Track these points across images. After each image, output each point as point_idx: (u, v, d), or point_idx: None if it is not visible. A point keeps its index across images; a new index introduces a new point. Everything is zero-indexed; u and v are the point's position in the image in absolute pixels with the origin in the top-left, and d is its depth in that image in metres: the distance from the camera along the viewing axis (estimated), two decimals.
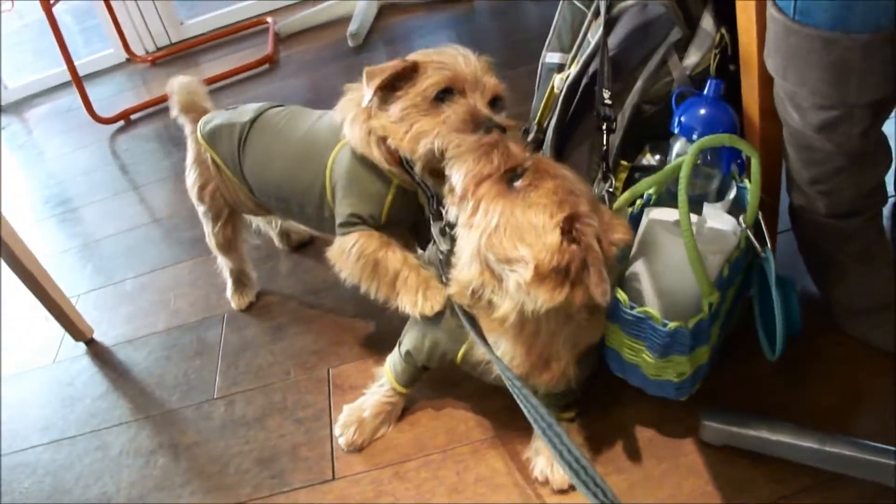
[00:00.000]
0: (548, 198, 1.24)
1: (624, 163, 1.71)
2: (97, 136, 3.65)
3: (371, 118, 1.54)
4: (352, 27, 3.68)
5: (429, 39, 3.60)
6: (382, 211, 1.59)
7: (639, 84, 1.66)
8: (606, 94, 1.53)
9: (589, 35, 1.80)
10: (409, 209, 1.62)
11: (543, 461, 1.50)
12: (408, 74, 1.50)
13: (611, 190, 1.51)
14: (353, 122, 1.58)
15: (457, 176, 1.32)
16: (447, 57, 1.51)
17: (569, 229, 1.22)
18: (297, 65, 3.70)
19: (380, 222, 1.59)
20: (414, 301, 1.53)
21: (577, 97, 1.78)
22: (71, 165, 3.52)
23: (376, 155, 1.54)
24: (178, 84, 2.01)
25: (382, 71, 1.49)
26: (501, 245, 1.24)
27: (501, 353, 1.37)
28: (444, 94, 1.46)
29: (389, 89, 1.51)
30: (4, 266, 2.12)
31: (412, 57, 1.53)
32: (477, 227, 1.27)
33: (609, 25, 1.71)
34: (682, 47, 1.63)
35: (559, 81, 1.83)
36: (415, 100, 1.48)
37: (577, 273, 1.21)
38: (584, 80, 1.77)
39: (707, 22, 1.62)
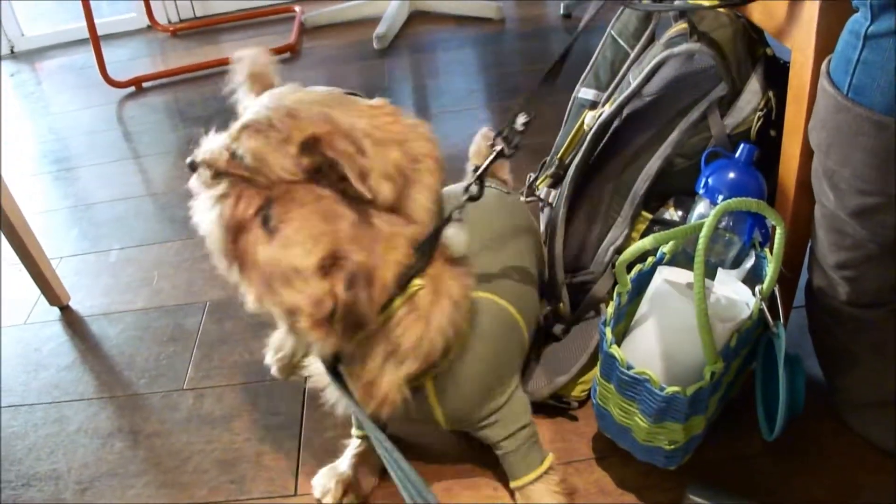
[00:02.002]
0: (301, 233, 1.14)
1: (645, 213, 1.67)
2: (106, 98, 3.60)
3: None
4: (379, 29, 3.64)
5: (453, 54, 3.56)
6: None
7: (674, 135, 1.61)
8: (522, 119, 1.46)
9: (630, 76, 1.75)
10: None
11: None
12: None
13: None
14: None
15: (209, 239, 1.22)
16: None
17: (329, 267, 1.14)
18: (319, 58, 3.66)
19: None
20: None
21: (606, 138, 1.73)
22: (75, 123, 3.47)
23: None
24: (249, 54, 2.00)
25: None
26: (274, 301, 1.16)
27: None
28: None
29: None
30: None
31: None
32: (248, 291, 1.19)
33: (652, 71, 1.66)
34: (725, 104, 1.58)
35: (590, 118, 1.78)
36: None
37: (343, 314, 1.16)
38: (616, 123, 1.72)
39: (755, 83, 1.57)
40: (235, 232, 1.17)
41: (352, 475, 1.54)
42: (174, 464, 1.67)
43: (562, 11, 3.64)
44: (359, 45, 3.68)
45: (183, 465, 1.66)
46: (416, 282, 1.21)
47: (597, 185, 1.72)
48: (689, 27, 1.61)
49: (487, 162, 1.36)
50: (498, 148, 1.39)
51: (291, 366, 1.76)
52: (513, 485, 1.44)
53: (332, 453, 1.60)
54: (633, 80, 1.69)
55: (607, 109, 1.72)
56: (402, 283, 1.19)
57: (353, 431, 1.57)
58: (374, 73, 3.40)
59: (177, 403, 1.82)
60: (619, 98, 1.70)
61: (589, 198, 1.73)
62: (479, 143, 1.86)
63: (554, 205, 1.80)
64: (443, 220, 1.26)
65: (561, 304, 1.71)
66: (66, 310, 2.22)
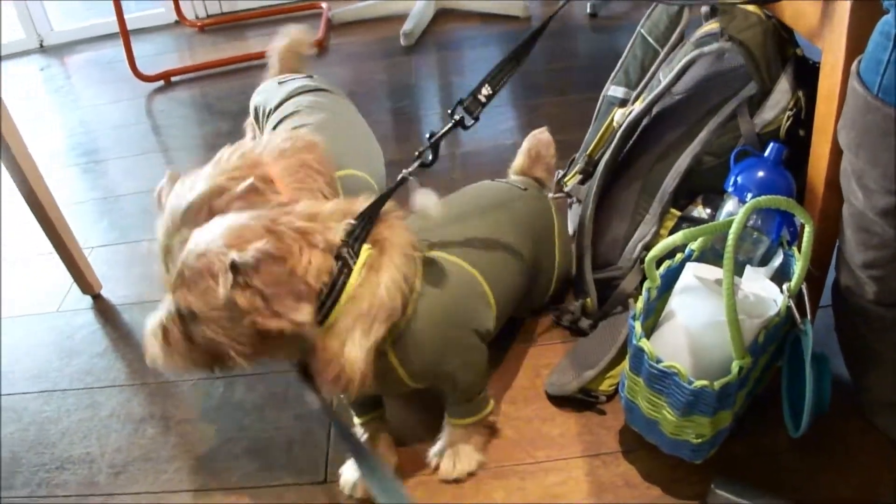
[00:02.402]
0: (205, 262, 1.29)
1: (674, 211, 1.69)
2: (135, 92, 3.62)
3: None
4: (406, 26, 3.66)
5: (479, 51, 3.58)
6: None
7: (704, 134, 1.63)
8: (486, 91, 1.48)
9: (660, 74, 1.77)
10: None
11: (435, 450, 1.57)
12: None
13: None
14: None
15: None
16: None
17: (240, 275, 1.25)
18: (345, 55, 3.68)
19: None
20: None
21: (636, 136, 1.75)
22: (104, 117, 3.50)
23: None
24: (296, 33, 2.07)
25: None
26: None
27: None
28: None
29: None
30: (21, 205, 2.10)
31: None
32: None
33: (682, 70, 1.68)
34: (755, 104, 1.60)
35: (620, 116, 1.80)
36: None
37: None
38: (645, 121, 1.74)
39: (784, 83, 1.58)
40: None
41: None
42: (206, 450, 1.70)
43: (588, 10, 3.65)
44: (385, 41, 3.70)
45: (215, 451, 1.69)
46: (365, 248, 1.32)
47: (626, 182, 1.74)
48: (720, 27, 1.63)
49: (444, 130, 1.42)
50: (457, 117, 1.42)
51: None
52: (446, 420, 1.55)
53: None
54: (664, 79, 1.71)
55: (637, 107, 1.74)
56: (348, 253, 1.30)
57: (355, 420, 1.61)
58: (401, 70, 3.42)
59: (208, 391, 1.84)
60: (649, 96, 1.72)
61: (618, 195, 1.75)
62: (531, 148, 1.88)
63: (583, 201, 1.82)
64: (382, 195, 1.38)
65: (588, 300, 1.73)
66: (97, 298, 2.24)
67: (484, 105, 1.43)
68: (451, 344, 1.45)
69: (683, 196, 1.69)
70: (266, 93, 1.99)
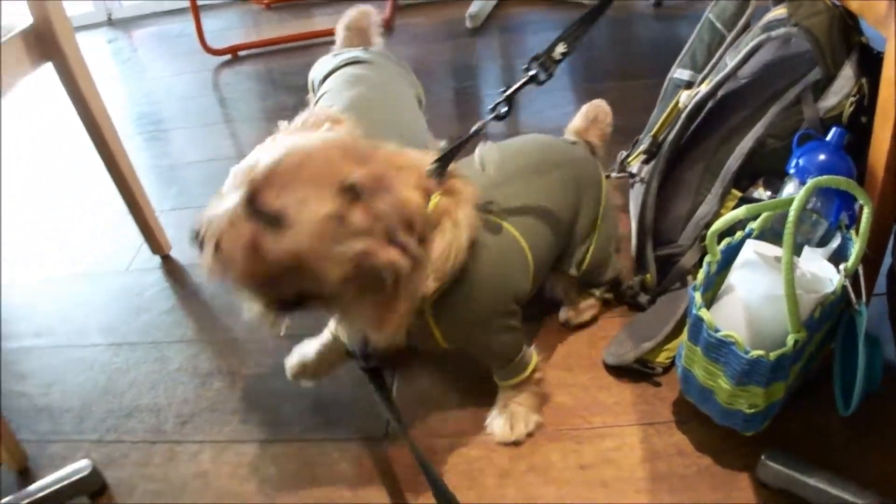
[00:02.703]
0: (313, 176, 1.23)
1: (735, 191, 1.72)
2: (201, 65, 3.69)
3: None
4: (472, 9, 3.68)
5: (543, 35, 3.58)
6: None
7: (768, 117, 1.66)
8: (561, 48, 1.49)
9: (727, 58, 1.80)
10: None
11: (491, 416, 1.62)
12: None
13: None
14: None
15: None
16: None
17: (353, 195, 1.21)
18: (411, 35, 3.71)
19: None
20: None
21: (701, 118, 1.78)
22: (170, 88, 3.58)
23: None
24: (359, 9, 2.10)
25: None
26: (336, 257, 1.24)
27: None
28: None
29: None
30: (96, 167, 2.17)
31: None
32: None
33: (749, 54, 1.71)
34: (819, 89, 1.62)
35: (685, 97, 1.83)
36: None
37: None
38: (711, 104, 1.77)
39: (848, 69, 1.61)
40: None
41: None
42: (271, 403, 1.75)
43: (653, 0, 3.66)
44: (451, 23, 3.72)
45: (279, 405, 1.75)
46: (435, 195, 1.33)
47: (689, 162, 1.78)
48: (788, 12, 1.66)
49: (519, 84, 1.43)
50: (532, 72, 1.45)
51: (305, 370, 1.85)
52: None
53: (423, 402, 1.70)
54: (730, 62, 1.74)
55: (703, 89, 1.77)
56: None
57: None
58: (465, 52, 3.45)
59: (274, 350, 1.89)
60: (716, 78, 1.75)
61: (681, 174, 1.79)
62: (589, 111, 1.91)
63: (646, 180, 1.85)
64: (460, 139, 1.39)
65: (648, 276, 1.77)
66: (166, 259, 2.31)
67: (558, 62, 1.45)
68: (490, 315, 1.48)
69: (745, 177, 1.72)
70: (320, 65, 2.03)
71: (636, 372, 1.67)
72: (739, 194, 1.72)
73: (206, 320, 2.05)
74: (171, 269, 2.27)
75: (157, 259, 2.31)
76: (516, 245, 1.51)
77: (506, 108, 1.43)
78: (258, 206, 1.21)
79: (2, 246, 2.52)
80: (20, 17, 1.84)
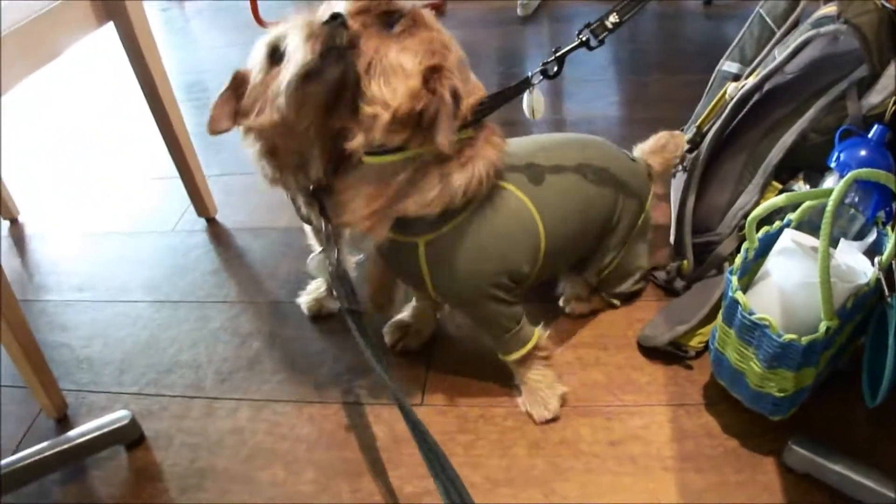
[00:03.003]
0: (420, 46, 1.35)
1: (775, 183, 1.74)
2: (253, 38, 3.67)
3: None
4: None
5: None
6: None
7: (812, 112, 1.69)
8: (613, 18, 1.53)
9: (776, 51, 1.82)
10: None
11: (521, 399, 1.64)
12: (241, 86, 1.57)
13: None
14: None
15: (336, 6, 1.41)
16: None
17: (430, 78, 1.33)
18: (462, 20, 3.72)
19: None
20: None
21: (746, 110, 1.81)
22: (221, 58, 3.63)
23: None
24: None
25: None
26: (368, 83, 1.33)
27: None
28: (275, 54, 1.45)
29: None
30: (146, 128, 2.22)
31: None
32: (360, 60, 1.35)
33: (797, 49, 1.73)
34: (864, 86, 1.65)
35: (732, 89, 1.85)
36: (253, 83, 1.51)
37: (428, 120, 1.33)
38: (757, 96, 1.79)
39: (893, 69, 1.63)
40: (360, 11, 1.37)
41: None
42: (309, 366, 1.79)
43: None
44: (502, 10, 3.73)
45: (318, 367, 1.79)
46: (470, 131, 1.41)
47: (732, 153, 1.81)
48: (837, 10, 1.68)
49: (570, 47, 1.48)
50: (583, 38, 1.48)
51: (319, 303, 1.93)
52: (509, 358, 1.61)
53: (459, 371, 1.73)
54: (778, 56, 1.76)
55: (750, 81, 1.79)
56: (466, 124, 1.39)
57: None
58: (515, 39, 3.47)
59: (315, 314, 1.93)
60: (763, 72, 1.77)
61: (723, 164, 1.82)
62: (660, 138, 1.90)
63: (688, 169, 1.88)
64: (510, 87, 1.47)
65: (685, 262, 1.80)
66: (212, 222, 2.36)
67: (610, 31, 1.48)
68: (474, 278, 1.51)
69: (786, 170, 1.75)
70: None
71: (669, 354, 1.70)
72: (779, 186, 1.74)
73: (248, 283, 2.09)
74: (216, 231, 2.31)
75: (202, 221, 2.36)
76: (530, 224, 1.54)
77: (556, 68, 1.47)
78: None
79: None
80: None
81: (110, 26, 1.97)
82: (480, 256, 1.49)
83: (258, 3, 3.70)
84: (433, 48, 1.35)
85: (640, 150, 1.86)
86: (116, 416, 1.65)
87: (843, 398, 1.57)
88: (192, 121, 2.86)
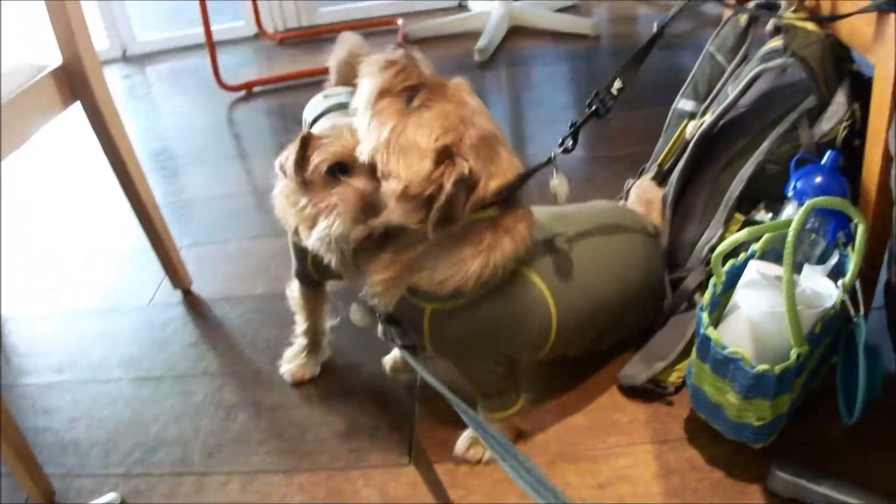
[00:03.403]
0: (437, 121, 1.34)
1: (738, 215, 1.78)
2: (217, 101, 3.76)
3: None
4: (480, 43, 3.75)
5: (550, 68, 3.68)
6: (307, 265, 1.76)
7: (766, 143, 1.73)
8: (617, 84, 1.59)
9: (728, 88, 1.85)
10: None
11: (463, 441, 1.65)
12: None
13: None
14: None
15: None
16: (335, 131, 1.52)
17: (444, 159, 1.32)
18: None
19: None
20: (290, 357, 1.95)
21: (705, 146, 1.84)
22: (186, 124, 3.65)
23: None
24: (351, 42, 2.09)
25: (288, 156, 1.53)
26: (386, 158, 1.34)
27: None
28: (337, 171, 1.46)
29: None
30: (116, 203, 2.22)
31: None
32: (369, 138, 1.37)
33: (748, 84, 1.77)
34: (814, 115, 1.69)
35: (692, 128, 1.88)
36: (312, 177, 1.49)
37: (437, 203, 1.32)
38: (712, 133, 1.83)
39: (841, 95, 1.67)
40: (382, 92, 1.37)
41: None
42: (295, 433, 1.79)
43: (655, 30, 3.70)
44: (460, 57, 3.79)
45: (303, 435, 1.78)
46: (490, 212, 1.41)
47: (694, 190, 1.85)
48: (785, 43, 1.71)
49: (583, 119, 1.54)
50: (594, 107, 1.53)
51: (303, 369, 1.96)
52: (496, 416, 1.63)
53: (445, 427, 1.72)
54: (731, 93, 1.80)
55: (708, 120, 1.83)
56: (488, 205, 1.39)
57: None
58: (474, 85, 3.46)
59: (298, 381, 1.94)
60: (718, 109, 1.80)
61: (688, 201, 1.86)
62: (641, 194, 1.96)
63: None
64: (533, 167, 1.47)
65: (664, 301, 1.82)
66: (188, 293, 2.36)
67: (616, 97, 1.53)
68: (473, 351, 1.54)
69: (747, 202, 1.78)
70: (311, 106, 1.98)
71: (649, 392, 1.71)
72: (742, 217, 1.77)
73: (228, 353, 2.09)
74: (193, 303, 2.32)
75: (178, 294, 2.35)
76: (543, 315, 1.54)
77: (572, 142, 1.52)
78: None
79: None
80: (50, 56, 1.90)
81: (77, 105, 1.99)
82: (483, 337, 1.51)
83: (218, 66, 3.73)
84: (450, 124, 1.34)
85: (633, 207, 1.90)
86: (105, 500, 1.65)
87: (821, 419, 1.60)
88: (160, 190, 2.90)
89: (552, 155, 1.51)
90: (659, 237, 1.85)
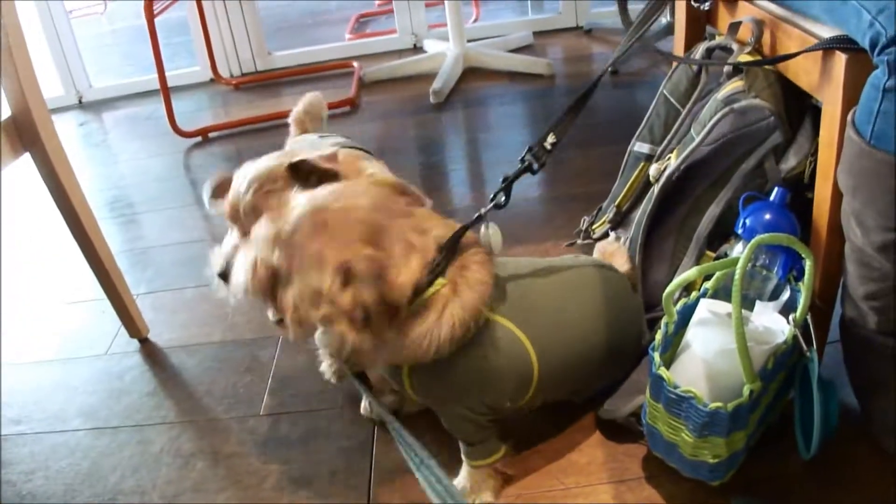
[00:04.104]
0: (309, 256, 1.35)
1: (709, 253, 1.81)
2: (173, 147, 3.77)
3: None
4: (436, 84, 3.78)
5: (506, 108, 3.70)
6: None
7: (733, 181, 1.77)
8: (551, 139, 1.61)
9: (692, 131, 1.86)
10: None
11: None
12: None
13: None
14: None
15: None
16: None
17: (347, 279, 1.32)
18: (377, 112, 3.80)
19: None
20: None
21: (671, 188, 1.86)
22: (143, 171, 3.64)
23: None
24: (311, 97, 2.12)
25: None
26: (312, 318, 1.36)
27: None
28: None
29: None
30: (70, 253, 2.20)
31: None
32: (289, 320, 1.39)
33: (713, 125, 1.79)
34: (780, 151, 1.73)
35: (654, 171, 1.90)
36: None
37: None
38: (676, 175, 1.84)
39: (806, 131, 1.72)
40: (267, 291, 1.39)
41: None
42: (253, 481, 1.78)
43: (609, 68, 3.74)
44: (415, 99, 3.81)
45: (262, 482, 1.77)
46: (440, 280, 1.40)
47: (664, 231, 1.88)
48: (747, 84, 1.75)
49: (515, 173, 1.54)
50: (527, 162, 1.54)
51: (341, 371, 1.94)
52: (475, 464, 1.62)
53: (404, 470, 1.68)
54: (696, 135, 1.81)
55: (673, 162, 1.84)
56: (426, 281, 1.39)
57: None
58: (431, 127, 3.53)
59: (254, 428, 1.93)
60: (685, 151, 1.82)
61: (658, 243, 1.89)
62: (601, 246, 1.97)
63: (628, 251, 1.93)
64: (461, 228, 1.46)
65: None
66: (145, 342, 2.34)
67: (549, 152, 1.55)
68: (455, 401, 1.53)
69: (717, 239, 1.81)
70: (305, 142, 2.03)
71: (607, 430, 1.73)
72: (713, 255, 1.80)
73: (186, 402, 2.07)
74: (150, 351, 2.30)
75: (135, 343, 2.34)
76: (523, 361, 1.54)
77: (504, 198, 1.52)
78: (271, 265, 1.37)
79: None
80: None
81: (26, 157, 1.98)
82: (462, 389, 1.51)
83: (174, 112, 3.73)
84: (337, 243, 1.35)
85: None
86: None
87: (779, 454, 1.60)
88: (117, 238, 2.89)
89: (482, 212, 1.52)
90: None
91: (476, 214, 1.52)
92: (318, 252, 1.33)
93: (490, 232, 1.53)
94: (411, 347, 1.41)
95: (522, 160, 1.57)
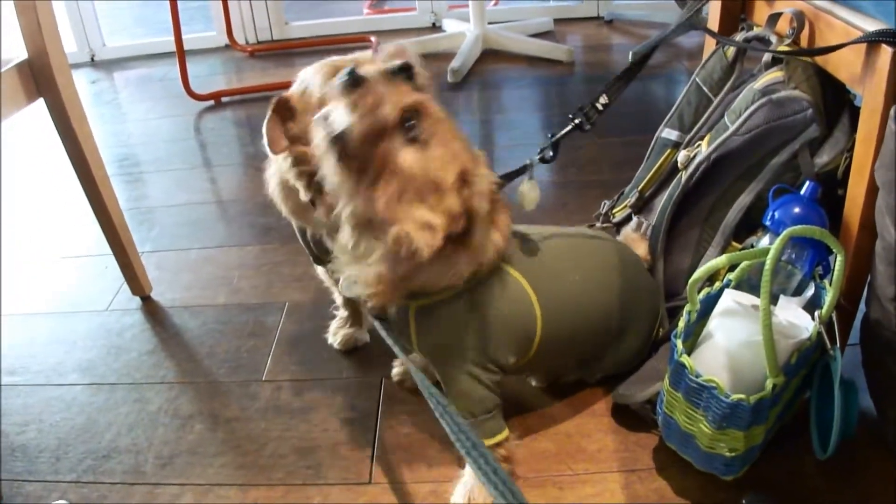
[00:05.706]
0: (444, 148, 1.31)
1: (735, 244, 1.78)
2: (184, 109, 3.74)
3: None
4: (454, 63, 3.76)
5: (522, 91, 3.68)
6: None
7: (765, 172, 1.73)
8: (603, 100, 1.58)
9: (726, 119, 1.83)
10: None
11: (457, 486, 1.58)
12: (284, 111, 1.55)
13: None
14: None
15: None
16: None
17: (461, 186, 1.31)
18: None
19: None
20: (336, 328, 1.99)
21: (699, 176, 1.83)
22: (153, 131, 3.62)
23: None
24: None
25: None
26: (407, 211, 1.29)
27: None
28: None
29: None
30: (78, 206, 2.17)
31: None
32: (382, 194, 1.29)
33: (749, 115, 1.75)
34: (816, 145, 1.69)
35: (683, 157, 1.86)
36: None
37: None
38: (706, 164, 1.81)
39: (843, 125, 1.68)
40: (376, 136, 1.28)
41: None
42: (252, 448, 1.75)
43: (630, 59, 3.71)
44: (433, 77, 3.75)
45: (261, 449, 1.74)
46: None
47: (690, 219, 1.84)
48: (787, 75, 1.72)
49: (564, 131, 1.52)
50: (576, 121, 1.51)
51: (352, 337, 1.96)
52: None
53: (407, 447, 1.70)
54: (731, 124, 1.77)
55: (704, 149, 1.81)
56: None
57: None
58: (447, 105, 3.42)
59: (256, 393, 1.90)
60: (718, 139, 1.78)
61: (683, 231, 1.85)
62: (624, 234, 1.97)
63: (650, 237, 1.91)
64: (510, 171, 1.53)
65: (661, 329, 1.80)
66: (147, 300, 2.31)
67: (600, 112, 1.52)
68: (456, 351, 1.50)
69: (744, 230, 1.78)
70: None
71: (620, 416, 1.70)
72: (738, 246, 1.77)
73: (187, 363, 2.04)
74: (152, 310, 2.27)
75: (137, 300, 2.31)
76: (527, 314, 1.53)
77: (551, 153, 1.49)
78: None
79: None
80: (16, 51, 1.86)
81: (40, 103, 1.94)
82: (465, 332, 1.48)
83: (188, 73, 3.69)
84: (454, 148, 1.32)
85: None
86: None
87: (793, 453, 1.58)
88: (124, 196, 2.86)
89: (528, 161, 1.49)
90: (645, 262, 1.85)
91: (523, 164, 1.49)
92: (450, 147, 1.31)
93: (527, 187, 1.51)
94: (434, 279, 1.41)
95: (573, 118, 1.53)
